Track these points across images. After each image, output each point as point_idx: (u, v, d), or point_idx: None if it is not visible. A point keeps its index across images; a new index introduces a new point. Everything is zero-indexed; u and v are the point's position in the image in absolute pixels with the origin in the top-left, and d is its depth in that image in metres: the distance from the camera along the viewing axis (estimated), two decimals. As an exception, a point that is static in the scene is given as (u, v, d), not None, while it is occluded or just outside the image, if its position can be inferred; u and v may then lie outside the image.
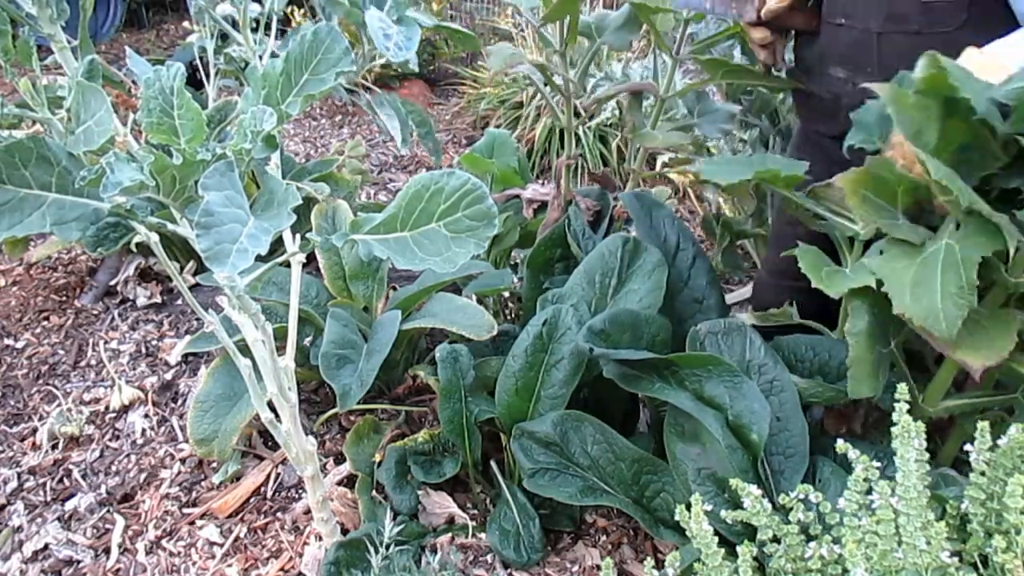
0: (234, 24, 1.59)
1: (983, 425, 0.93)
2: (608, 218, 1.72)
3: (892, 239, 1.07)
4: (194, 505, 1.57)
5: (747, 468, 1.17)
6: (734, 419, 1.21)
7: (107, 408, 1.82)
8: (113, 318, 2.16)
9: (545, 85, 1.76)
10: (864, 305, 1.11)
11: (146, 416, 1.80)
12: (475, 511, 1.53)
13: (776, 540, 0.98)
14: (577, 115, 1.83)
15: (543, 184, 1.98)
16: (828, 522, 0.97)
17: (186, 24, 4.87)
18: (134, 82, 2.65)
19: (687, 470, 1.22)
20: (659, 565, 1.04)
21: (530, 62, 1.68)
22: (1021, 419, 1.13)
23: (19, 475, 1.64)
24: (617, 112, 3.13)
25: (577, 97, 1.77)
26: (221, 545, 1.47)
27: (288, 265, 1.26)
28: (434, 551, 1.38)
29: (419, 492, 1.50)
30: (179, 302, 2.22)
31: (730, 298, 2.18)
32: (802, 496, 0.98)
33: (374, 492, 1.50)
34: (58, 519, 1.54)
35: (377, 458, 1.54)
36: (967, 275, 0.95)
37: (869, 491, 0.90)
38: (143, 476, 1.64)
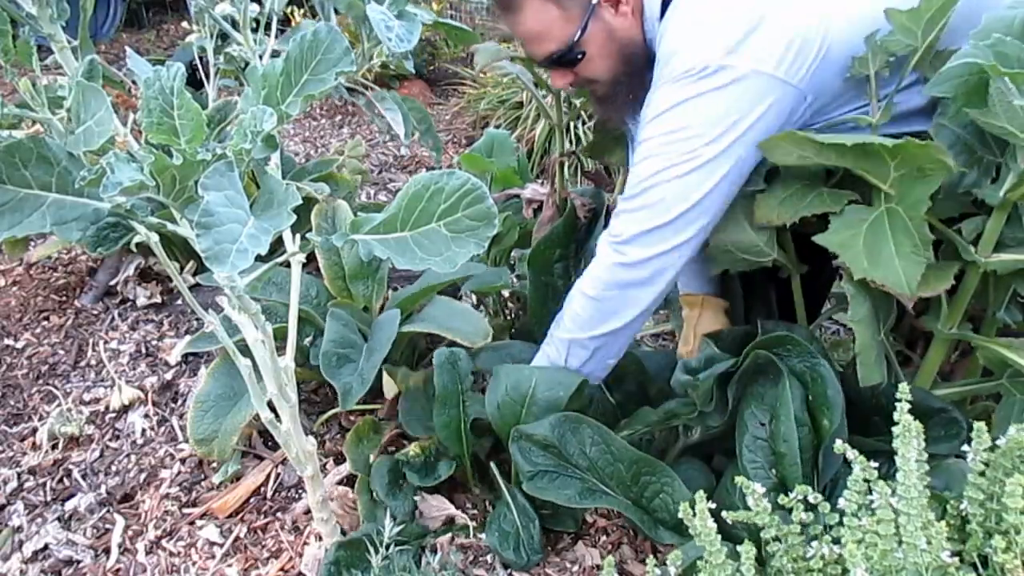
0: (234, 24, 1.58)
1: (980, 425, 0.93)
2: (604, 216, 1.72)
3: (837, 213, 1.12)
4: (194, 505, 1.57)
5: (808, 451, 1.16)
6: (811, 400, 1.21)
7: (107, 408, 1.82)
8: (113, 318, 2.16)
9: (536, 85, 1.76)
10: (862, 291, 1.12)
11: (146, 416, 1.80)
12: (475, 511, 1.53)
13: (778, 539, 0.98)
14: (569, 107, 1.83)
15: (542, 184, 1.98)
16: (828, 522, 0.97)
17: (185, 24, 4.87)
18: (134, 82, 2.65)
19: (746, 433, 1.23)
20: (659, 564, 1.04)
21: (518, 58, 1.68)
22: (1008, 406, 1.14)
23: (19, 475, 1.64)
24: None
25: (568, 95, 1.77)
26: (221, 545, 1.47)
27: (288, 265, 1.26)
28: (434, 551, 1.38)
29: (416, 497, 1.48)
30: (179, 302, 2.22)
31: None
32: (801, 496, 0.98)
33: (375, 493, 1.50)
34: (58, 519, 1.54)
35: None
36: (919, 233, 1.01)
37: (870, 491, 0.90)
38: (143, 476, 1.64)
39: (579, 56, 1.23)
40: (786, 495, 0.98)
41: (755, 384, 1.27)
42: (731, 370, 1.29)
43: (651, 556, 1.06)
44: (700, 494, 0.96)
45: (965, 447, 0.94)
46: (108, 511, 1.56)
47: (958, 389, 1.23)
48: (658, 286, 1.26)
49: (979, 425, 0.93)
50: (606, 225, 1.68)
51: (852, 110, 1.18)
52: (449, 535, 1.45)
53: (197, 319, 2.14)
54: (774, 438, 1.20)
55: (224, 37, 2.45)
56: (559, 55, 1.23)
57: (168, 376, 1.92)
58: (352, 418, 1.72)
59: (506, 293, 2.00)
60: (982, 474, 0.91)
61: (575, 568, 1.40)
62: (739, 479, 1.01)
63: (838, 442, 0.97)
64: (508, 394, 1.39)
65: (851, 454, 0.94)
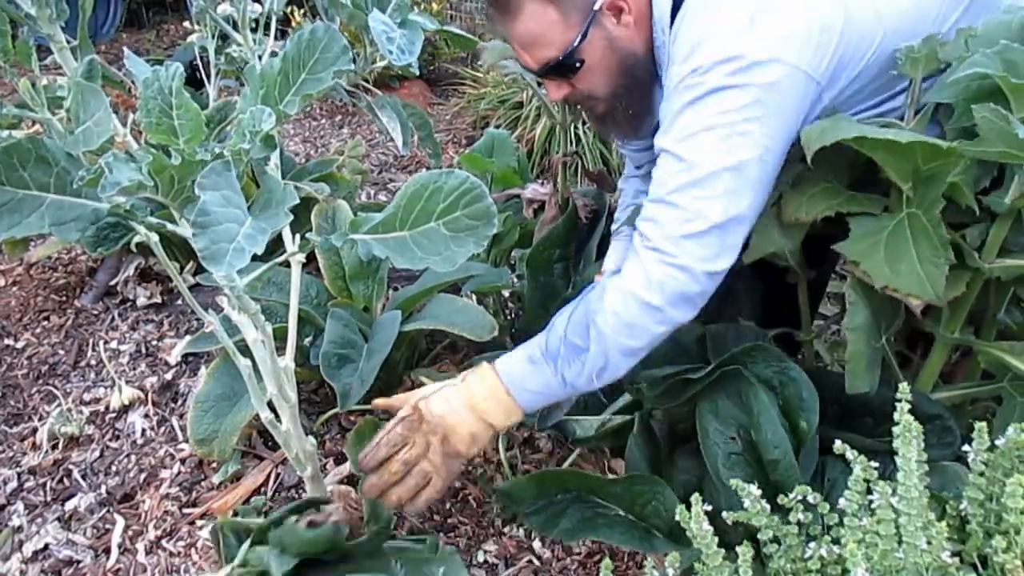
0: (234, 24, 1.58)
1: (980, 425, 0.93)
2: (605, 216, 1.72)
3: (854, 219, 1.10)
4: (194, 505, 1.57)
5: (792, 455, 1.14)
6: (783, 404, 1.19)
7: (107, 408, 1.82)
8: (113, 318, 2.16)
9: (539, 84, 1.76)
10: (862, 299, 1.11)
11: (146, 416, 1.80)
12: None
13: (776, 540, 0.98)
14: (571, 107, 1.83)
15: (543, 184, 1.98)
16: (828, 522, 0.97)
17: (186, 24, 4.87)
18: (134, 82, 2.65)
19: (718, 453, 1.19)
20: (657, 567, 1.04)
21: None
22: (1008, 409, 1.14)
23: (19, 475, 1.64)
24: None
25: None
26: (221, 545, 1.47)
27: (288, 265, 1.26)
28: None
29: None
30: (179, 302, 2.22)
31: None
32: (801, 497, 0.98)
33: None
34: (58, 519, 1.54)
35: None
36: (937, 235, 0.99)
37: (869, 491, 0.90)
38: (143, 476, 1.64)
39: (577, 64, 1.19)
40: (786, 497, 0.98)
41: (714, 397, 1.22)
42: (690, 376, 1.25)
43: (651, 557, 1.06)
44: (696, 496, 0.96)
45: (966, 447, 0.94)
46: (108, 511, 1.56)
47: (959, 392, 1.23)
48: (712, 289, 1.12)
49: (980, 425, 0.93)
50: (607, 224, 1.69)
51: (873, 105, 1.16)
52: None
53: (197, 319, 2.13)
54: (760, 447, 1.16)
55: (225, 37, 2.45)
56: (557, 62, 1.19)
57: (168, 376, 1.92)
58: (352, 418, 1.72)
59: (506, 293, 2.00)
60: (981, 474, 0.91)
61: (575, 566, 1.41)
62: (734, 481, 1.00)
63: (838, 442, 0.96)
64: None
65: (851, 454, 0.94)
